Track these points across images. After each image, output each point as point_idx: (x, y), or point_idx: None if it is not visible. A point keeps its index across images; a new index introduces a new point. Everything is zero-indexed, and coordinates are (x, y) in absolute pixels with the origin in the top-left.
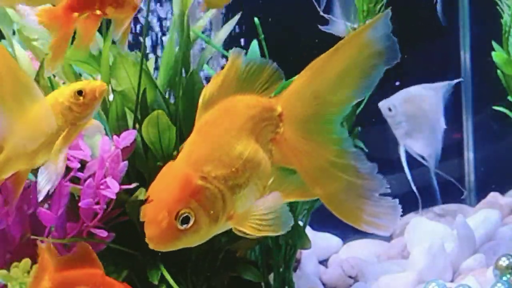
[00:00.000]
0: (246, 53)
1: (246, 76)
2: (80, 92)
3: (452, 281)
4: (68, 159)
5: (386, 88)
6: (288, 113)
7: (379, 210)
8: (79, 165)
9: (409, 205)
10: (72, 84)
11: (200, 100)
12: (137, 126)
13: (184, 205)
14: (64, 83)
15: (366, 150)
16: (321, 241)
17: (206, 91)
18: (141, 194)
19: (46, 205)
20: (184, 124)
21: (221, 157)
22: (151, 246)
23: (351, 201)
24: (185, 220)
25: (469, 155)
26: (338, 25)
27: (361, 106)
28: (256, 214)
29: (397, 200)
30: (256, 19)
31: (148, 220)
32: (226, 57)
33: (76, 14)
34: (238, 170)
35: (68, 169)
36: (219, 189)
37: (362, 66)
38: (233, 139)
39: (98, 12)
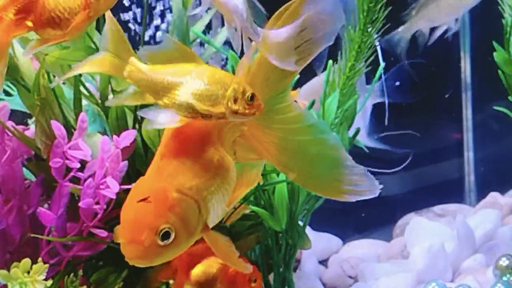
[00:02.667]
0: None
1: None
2: (252, 98)
3: (452, 281)
4: (68, 159)
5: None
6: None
7: (355, 177)
8: (79, 165)
9: (409, 205)
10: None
11: None
12: (137, 126)
13: (164, 220)
14: (63, 83)
15: (367, 151)
16: (321, 241)
17: None
18: None
19: (46, 205)
20: None
21: (192, 168)
22: (131, 263)
23: (327, 174)
24: (166, 236)
25: (469, 155)
26: None
27: (361, 106)
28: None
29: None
30: None
31: (127, 240)
32: (226, 58)
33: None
34: (209, 179)
35: (68, 169)
36: (195, 200)
37: (304, 38)
38: (200, 148)
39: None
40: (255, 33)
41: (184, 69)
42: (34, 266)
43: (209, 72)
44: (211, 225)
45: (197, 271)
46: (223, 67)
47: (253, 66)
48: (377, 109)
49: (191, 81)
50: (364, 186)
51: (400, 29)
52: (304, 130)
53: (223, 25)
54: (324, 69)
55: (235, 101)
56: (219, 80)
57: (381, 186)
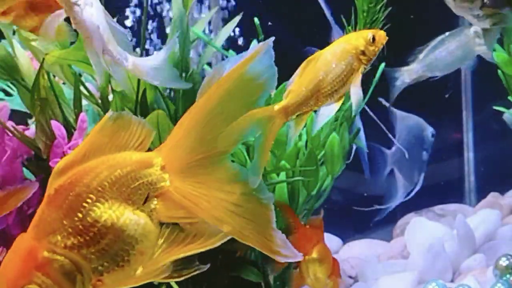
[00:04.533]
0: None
1: (115, 134)
2: (373, 39)
3: (452, 281)
4: None
5: (386, 88)
6: (172, 164)
7: (279, 241)
8: None
9: (409, 205)
10: (359, 32)
11: (54, 170)
12: None
13: (27, 280)
14: (63, 83)
15: (367, 151)
16: None
17: (61, 161)
18: None
19: None
20: None
21: (72, 225)
22: None
23: (261, 232)
24: None
25: (469, 155)
26: None
27: (361, 107)
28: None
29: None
30: (256, 19)
31: None
32: (227, 57)
33: None
34: (94, 238)
35: None
36: (72, 260)
37: (245, 100)
38: (86, 204)
39: None
40: (122, 58)
41: (316, 69)
42: None
43: (332, 54)
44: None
45: (317, 249)
46: None
47: (186, 124)
48: None
49: (331, 71)
50: (287, 252)
51: (404, 70)
52: (239, 187)
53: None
54: None
55: (364, 53)
56: (341, 54)
57: (301, 255)
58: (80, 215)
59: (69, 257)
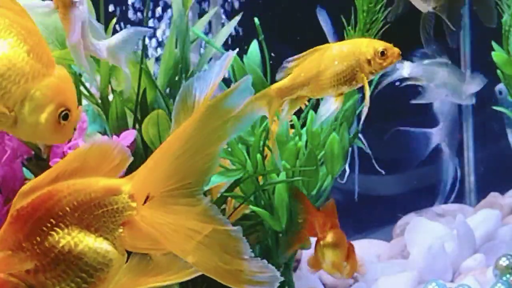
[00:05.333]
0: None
1: (87, 159)
2: (382, 53)
3: (452, 281)
4: None
5: (385, 87)
6: (142, 194)
7: (255, 269)
8: None
9: (410, 205)
10: (373, 41)
11: (19, 191)
12: (137, 126)
13: None
14: None
15: (368, 151)
16: None
17: (28, 183)
18: None
19: None
20: None
21: (30, 248)
22: None
23: (228, 263)
24: None
25: (469, 155)
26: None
27: (360, 108)
28: None
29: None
30: (256, 19)
31: None
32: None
33: None
34: (50, 263)
35: None
36: (27, 283)
37: (221, 133)
38: (46, 229)
39: None
40: (98, 50)
41: (319, 59)
42: None
43: (338, 51)
44: None
45: (331, 234)
46: None
47: (160, 154)
48: None
49: (331, 66)
50: (264, 278)
51: (406, 63)
52: (207, 221)
53: (223, 25)
54: None
55: (369, 62)
56: (347, 55)
57: (282, 279)
58: (38, 238)
59: (25, 280)
